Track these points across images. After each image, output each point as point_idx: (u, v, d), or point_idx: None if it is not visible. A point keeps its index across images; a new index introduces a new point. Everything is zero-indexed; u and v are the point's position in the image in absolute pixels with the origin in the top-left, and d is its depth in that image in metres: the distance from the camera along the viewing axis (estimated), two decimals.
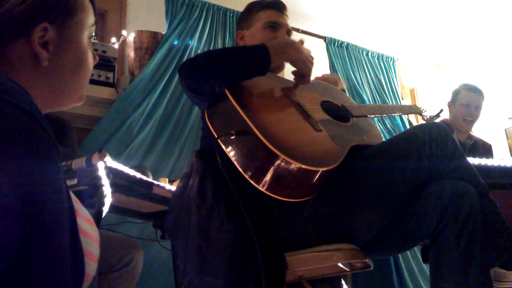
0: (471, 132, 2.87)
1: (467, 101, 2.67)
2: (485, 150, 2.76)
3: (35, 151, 0.47)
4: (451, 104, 2.78)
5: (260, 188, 1.07)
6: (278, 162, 1.03)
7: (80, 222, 0.60)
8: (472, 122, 2.72)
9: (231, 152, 1.12)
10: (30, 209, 0.44)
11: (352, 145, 1.24)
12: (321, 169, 1.07)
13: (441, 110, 2.49)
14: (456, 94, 2.78)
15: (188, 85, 1.20)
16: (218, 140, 1.11)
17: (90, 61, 0.73)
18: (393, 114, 1.55)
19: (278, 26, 1.51)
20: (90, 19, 0.71)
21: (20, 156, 0.45)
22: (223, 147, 1.13)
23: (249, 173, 1.08)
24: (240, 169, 1.09)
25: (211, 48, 3.13)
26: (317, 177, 1.09)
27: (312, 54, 1.38)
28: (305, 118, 1.24)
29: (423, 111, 1.98)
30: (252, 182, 1.08)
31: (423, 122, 2.63)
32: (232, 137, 1.10)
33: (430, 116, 2.03)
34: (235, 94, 1.16)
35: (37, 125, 0.47)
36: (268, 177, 1.06)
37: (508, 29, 4.26)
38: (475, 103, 2.69)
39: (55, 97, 0.68)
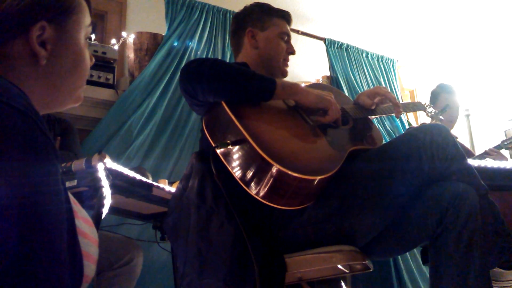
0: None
1: (445, 102, 2.57)
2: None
3: (32, 152, 0.46)
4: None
5: (256, 197, 1.07)
6: (273, 172, 1.03)
7: (79, 223, 0.59)
8: (454, 123, 2.66)
9: (227, 162, 1.11)
10: (28, 211, 0.44)
11: (351, 149, 1.24)
12: (318, 177, 1.07)
13: (447, 105, 2.48)
14: (435, 96, 2.69)
15: (185, 86, 1.20)
16: (215, 149, 1.11)
17: (88, 61, 0.73)
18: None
19: (289, 38, 1.56)
20: (87, 19, 0.72)
21: (16, 157, 0.44)
22: (220, 156, 1.12)
23: (246, 182, 1.08)
24: (237, 178, 1.09)
25: (211, 50, 3.13)
26: (314, 185, 1.09)
27: (329, 97, 1.30)
28: (303, 124, 1.24)
29: (427, 107, 1.96)
30: (248, 191, 1.08)
31: (423, 123, 2.63)
32: (228, 147, 1.09)
33: (435, 112, 2.01)
34: (231, 103, 1.16)
35: (34, 126, 0.47)
36: (264, 186, 1.06)
37: (510, 31, 4.26)
38: (457, 104, 2.63)
39: (53, 97, 0.68)
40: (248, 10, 1.58)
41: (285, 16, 1.57)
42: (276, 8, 1.58)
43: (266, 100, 1.21)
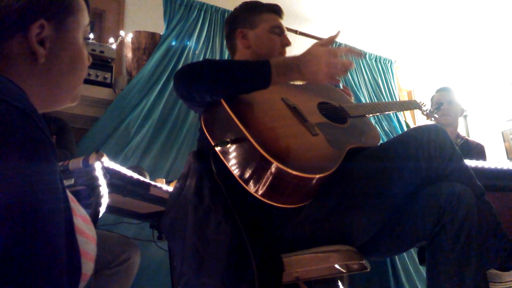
0: (459, 132, 2.90)
1: (438, 100, 2.81)
2: (477, 151, 2.78)
3: (30, 150, 0.46)
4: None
5: (256, 195, 1.07)
6: (273, 170, 1.03)
7: (77, 221, 0.59)
8: (448, 117, 2.78)
9: (227, 160, 1.12)
10: (26, 209, 0.44)
11: (349, 147, 1.24)
12: (317, 176, 1.07)
13: (441, 104, 2.51)
14: (431, 99, 2.97)
15: (180, 93, 1.20)
16: (214, 148, 1.11)
17: (85, 60, 0.73)
18: (392, 111, 1.54)
19: (282, 31, 1.53)
20: (86, 19, 0.72)
21: (15, 156, 0.44)
22: (220, 154, 1.12)
23: (245, 180, 1.08)
24: (236, 176, 1.09)
25: (209, 49, 3.13)
26: (313, 183, 1.09)
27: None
28: (302, 123, 1.24)
29: (423, 105, 1.98)
30: (248, 189, 1.08)
31: (421, 124, 2.64)
32: (227, 145, 1.09)
33: (430, 110, 2.03)
34: (230, 101, 1.16)
35: (32, 125, 0.47)
36: (263, 184, 1.06)
37: (508, 31, 4.27)
38: (447, 99, 2.81)
39: (51, 96, 0.68)
40: (237, 12, 1.57)
41: (274, 9, 1.54)
42: (263, 4, 1.55)
43: (265, 87, 1.18)
